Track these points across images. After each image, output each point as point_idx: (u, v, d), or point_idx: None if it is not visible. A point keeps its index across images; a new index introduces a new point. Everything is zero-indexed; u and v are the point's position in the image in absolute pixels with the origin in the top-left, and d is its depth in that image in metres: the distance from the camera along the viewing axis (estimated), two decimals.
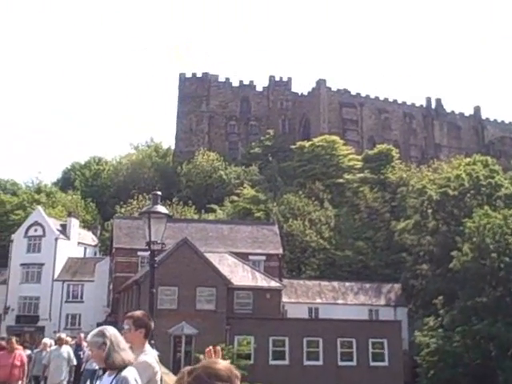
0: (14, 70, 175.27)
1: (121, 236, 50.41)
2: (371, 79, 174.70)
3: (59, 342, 13.74)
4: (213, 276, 39.59)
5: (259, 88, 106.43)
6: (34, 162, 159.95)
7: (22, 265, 57.36)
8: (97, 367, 20.36)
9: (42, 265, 57.39)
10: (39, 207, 65.01)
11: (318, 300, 50.70)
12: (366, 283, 54.09)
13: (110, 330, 4.73)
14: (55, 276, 57.03)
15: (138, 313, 5.66)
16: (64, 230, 61.28)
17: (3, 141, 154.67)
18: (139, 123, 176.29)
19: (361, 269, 61.47)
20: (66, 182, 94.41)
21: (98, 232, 72.57)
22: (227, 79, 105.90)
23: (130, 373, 4.48)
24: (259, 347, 39.11)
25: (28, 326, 53.08)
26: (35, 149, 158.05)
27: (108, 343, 4.60)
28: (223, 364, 2.87)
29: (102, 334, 4.66)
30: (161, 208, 11.33)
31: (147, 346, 5.46)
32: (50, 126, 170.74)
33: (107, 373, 4.65)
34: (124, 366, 4.52)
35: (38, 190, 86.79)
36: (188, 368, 2.89)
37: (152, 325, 5.52)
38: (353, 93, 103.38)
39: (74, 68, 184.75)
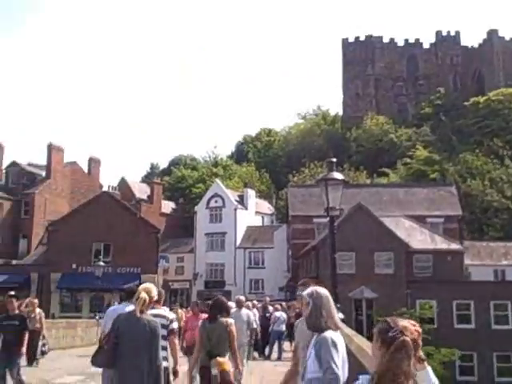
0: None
1: (296, 204, 51.60)
2: None
3: (238, 305, 13.64)
4: (390, 240, 39.23)
5: (426, 45, 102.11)
6: (210, 136, 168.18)
7: (206, 234, 61.12)
8: (283, 329, 21.20)
9: (225, 233, 60.70)
10: (217, 180, 68.57)
11: (504, 262, 47.98)
12: None
13: (319, 293, 4.81)
14: (237, 244, 60.11)
15: (310, 280, 6.21)
16: (241, 200, 64.14)
17: (181, 119, 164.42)
18: (305, 92, 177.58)
19: None
20: (239, 155, 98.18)
21: (274, 201, 74.91)
22: (392, 40, 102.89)
23: (329, 334, 4.57)
24: (442, 311, 38.17)
25: (216, 290, 56.57)
26: (210, 124, 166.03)
27: (311, 304, 4.74)
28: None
29: (311, 295, 4.78)
30: (337, 174, 11.41)
31: None
32: (221, 102, 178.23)
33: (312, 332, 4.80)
34: (320, 328, 4.62)
35: (215, 164, 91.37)
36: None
37: None
38: None
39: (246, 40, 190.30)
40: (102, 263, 37.39)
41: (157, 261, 48.81)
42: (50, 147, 59.94)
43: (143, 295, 6.04)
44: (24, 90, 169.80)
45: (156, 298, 6.46)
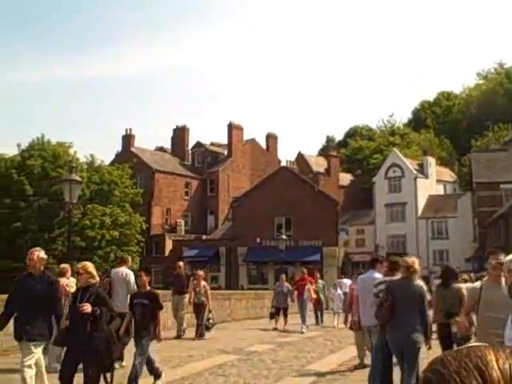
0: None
1: (480, 170, 48.96)
2: None
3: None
4: None
5: None
6: (385, 105, 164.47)
7: (385, 205, 60.24)
8: None
9: (405, 204, 59.36)
10: (395, 149, 67.09)
11: None
12: None
13: None
14: (418, 214, 58.52)
15: (497, 250, 6.43)
16: (421, 168, 62.27)
17: (355, 88, 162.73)
18: (484, 49, 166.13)
19: None
20: (417, 122, 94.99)
21: (456, 168, 71.65)
22: None
23: None
24: None
25: None
26: (385, 91, 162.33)
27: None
28: None
29: None
30: None
31: None
32: (395, 67, 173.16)
33: None
34: None
35: (392, 133, 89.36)
36: None
37: None
38: None
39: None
40: (284, 237, 38.48)
41: (337, 233, 49.20)
42: (231, 126, 62.76)
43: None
44: (211, 71, 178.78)
45: (418, 269, 7.59)
